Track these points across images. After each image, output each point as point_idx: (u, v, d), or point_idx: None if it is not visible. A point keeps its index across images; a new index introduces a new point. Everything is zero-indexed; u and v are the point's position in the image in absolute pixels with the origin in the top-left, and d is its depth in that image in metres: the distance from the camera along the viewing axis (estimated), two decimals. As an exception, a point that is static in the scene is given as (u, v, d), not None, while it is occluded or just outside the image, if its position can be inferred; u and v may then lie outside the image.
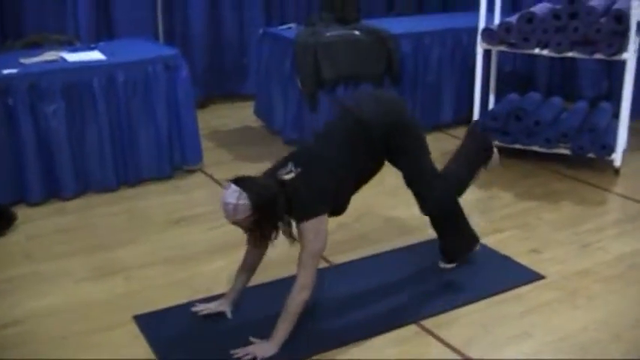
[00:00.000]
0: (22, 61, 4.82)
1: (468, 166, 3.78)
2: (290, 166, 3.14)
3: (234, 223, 3.01)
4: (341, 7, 6.01)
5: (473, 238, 3.87)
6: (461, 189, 3.78)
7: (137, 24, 6.43)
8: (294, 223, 3.14)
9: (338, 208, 3.35)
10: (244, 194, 2.93)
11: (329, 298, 3.56)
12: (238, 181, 2.99)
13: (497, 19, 5.71)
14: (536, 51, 5.20)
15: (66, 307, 3.53)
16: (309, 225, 3.06)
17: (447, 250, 3.85)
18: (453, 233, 3.82)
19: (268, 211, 2.99)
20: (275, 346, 3.06)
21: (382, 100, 3.51)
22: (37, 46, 5.37)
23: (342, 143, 3.27)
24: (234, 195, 2.93)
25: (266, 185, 3.03)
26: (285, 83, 5.66)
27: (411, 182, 3.58)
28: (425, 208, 3.64)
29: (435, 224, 3.79)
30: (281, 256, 3.48)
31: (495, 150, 3.87)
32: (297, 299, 3.07)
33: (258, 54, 6.12)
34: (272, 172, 3.17)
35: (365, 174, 3.42)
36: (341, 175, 3.21)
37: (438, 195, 3.62)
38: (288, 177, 3.09)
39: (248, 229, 3.09)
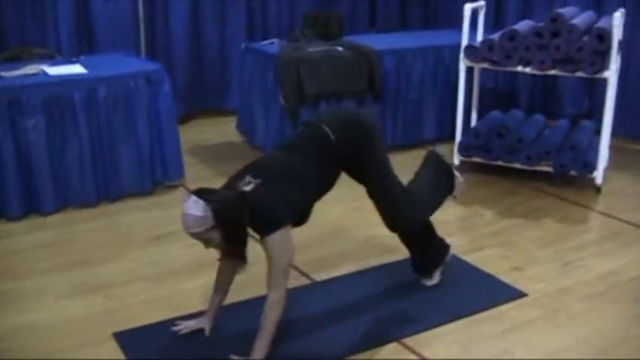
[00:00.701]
0: (3, 74, 4.78)
1: (432, 189, 3.73)
2: (248, 177, 3.05)
3: (195, 235, 2.90)
4: (324, 23, 6.04)
5: (443, 247, 3.87)
6: (427, 211, 3.71)
7: (119, 38, 6.41)
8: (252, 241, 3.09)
9: (300, 218, 3.28)
10: (205, 205, 2.85)
11: (310, 315, 3.54)
12: (198, 193, 2.91)
13: (479, 37, 5.74)
14: (519, 68, 5.22)
15: (47, 325, 3.48)
16: (275, 237, 2.98)
17: (419, 263, 3.84)
18: (423, 246, 3.81)
19: (231, 222, 2.91)
20: None
21: (347, 114, 3.51)
22: (18, 60, 5.33)
23: (305, 153, 3.22)
24: (194, 206, 2.85)
25: (227, 196, 2.95)
26: (267, 98, 5.66)
27: (376, 197, 3.53)
28: (391, 224, 3.58)
29: (403, 239, 3.77)
30: (258, 273, 3.45)
31: (458, 175, 3.85)
32: (273, 315, 3.02)
33: (240, 69, 6.11)
34: (230, 185, 3.09)
35: (327, 185, 3.36)
36: (303, 184, 3.16)
37: (405, 212, 3.57)
38: (247, 188, 3.00)
39: (213, 245, 3.00)
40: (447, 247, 3.88)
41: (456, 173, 3.83)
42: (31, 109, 4.58)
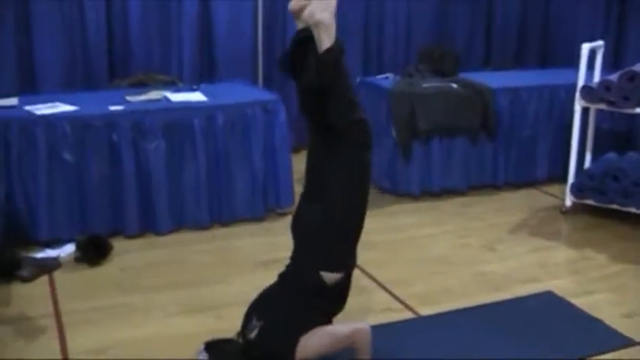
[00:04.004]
0: (128, 98, 5.02)
1: None
2: (254, 321, 3.09)
3: None
4: (439, 60, 6.06)
5: None
6: None
7: (238, 67, 6.61)
8: None
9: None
10: None
11: (413, 350, 3.54)
12: (210, 348, 3.02)
13: (597, 77, 5.64)
14: (637, 110, 5.10)
15: (154, 340, 3.61)
16: (300, 356, 2.99)
17: None
18: None
19: None
20: None
21: None
22: (142, 85, 5.57)
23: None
24: None
25: (234, 358, 3.03)
26: (379, 132, 5.70)
27: None
28: None
29: None
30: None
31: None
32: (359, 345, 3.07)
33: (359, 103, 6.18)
34: (243, 328, 3.15)
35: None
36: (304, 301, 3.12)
37: None
38: (252, 335, 3.05)
39: None
40: None
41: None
42: (153, 133, 4.79)
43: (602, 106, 5.27)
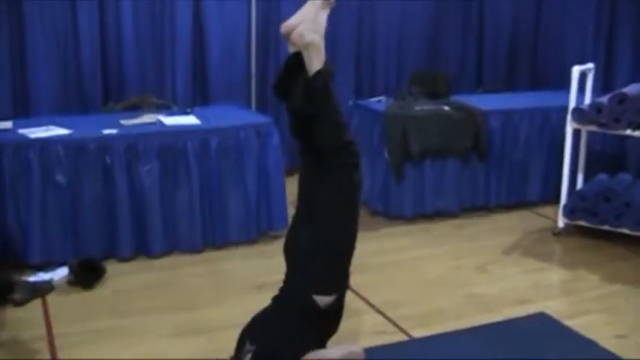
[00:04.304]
0: (122, 122, 5.04)
1: None
2: (247, 345, 3.07)
3: None
4: (431, 82, 6.11)
5: None
6: None
7: (231, 91, 6.63)
8: None
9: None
10: None
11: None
12: None
13: (587, 99, 5.69)
14: (628, 132, 5.14)
15: (148, 363, 3.61)
16: None
17: None
18: None
19: None
20: None
21: None
22: (136, 109, 5.59)
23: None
24: None
25: None
26: (372, 154, 5.73)
27: None
28: None
29: None
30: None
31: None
32: None
33: (347, 124, 6.20)
34: (237, 356, 3.13)
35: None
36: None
37: None
38: (247, 359, 3.03)
39: None
40: None
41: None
42: (147, 156, 4.80)
43: (594, 128, 5.31)
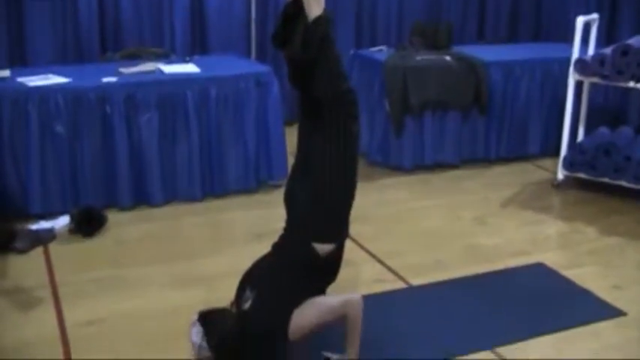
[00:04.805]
0: (121, 70, 5.01)
1: None
2: (247, 291, 3.11)
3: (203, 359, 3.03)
4: (432, 33, 6.06)
5: None
6: None
7: (230, 40, 6.59)
8: None
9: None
10: (204, 336, 2.97)
11: (404, 319, 3.59)
12: (204, 320, 3.00)
13: (591, 51, 5.65)
14: (631, 84, 5.11)
15: (148, 311, 3.64)
16: (294, 325, 3.00)
17: None
18: None
19: (227, 354, 3.00)
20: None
21: None
22: (135, 58, 5.56)
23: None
24: (198, 335, 2.99)
25: (225, 328, 3.01)
26: (372, 105, 5.71)
27: None
28: None
29: None
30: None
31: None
32: (351, 315, 3.05)
33: (347, 74, 6.18)
34: (237, 299, 3.17)
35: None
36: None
37: None
38: (247, 306, 3.07)
39: None
40: None
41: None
42: (146, 106, 4.79)
43: (596, 80, 5.28)
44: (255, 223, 4.72)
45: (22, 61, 5.86)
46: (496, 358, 3.30)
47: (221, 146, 5.05)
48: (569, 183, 5.51)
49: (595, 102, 6.26)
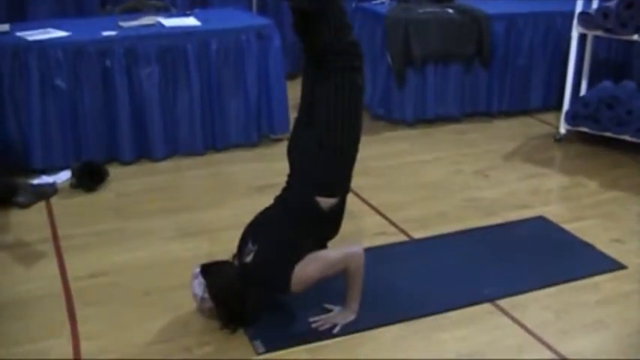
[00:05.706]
0: (121, 24, 4.97)
1: None
2: (250, 244, 3.10)
3: (202, 310, 3.07)
4: (435, -15, 5.99)
5: None
6: None
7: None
8: None
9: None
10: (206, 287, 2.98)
11: (405, 271, 3.61)
12: (206, 272, 3.00)
13: (595, 4, 5.59)
14: (634, 37, 5.07)
15: (151, 263, 3.67)
16: (296, 278, 3.00)
17: None
18: None
19: (229, 305, 3.00)
20: (353, 313, 3.12)
21: None
22: (135, 11, 5.51)
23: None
24: (200, 287, 3.00)
25: (228, 279, 3.00)
26: (374, 58, 5.68)
27: None
28: None
29: None
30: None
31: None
32: (351, 268, 3.08)
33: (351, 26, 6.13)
34: (240, 250, 3.17)
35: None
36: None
37: None
38: (248, 259, 3.07)
39: None
40: None
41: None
42: (147, 59, 4.76)
43: (600, 33, 5.24)
44: (257, 176, 4.73)
45: (21, 15, 5.81)
46: (496, 309, 3.33)
47: (222, 100, 5.04)
48: (572, 137, 5.50)
49: (598, 55, 6.22)
